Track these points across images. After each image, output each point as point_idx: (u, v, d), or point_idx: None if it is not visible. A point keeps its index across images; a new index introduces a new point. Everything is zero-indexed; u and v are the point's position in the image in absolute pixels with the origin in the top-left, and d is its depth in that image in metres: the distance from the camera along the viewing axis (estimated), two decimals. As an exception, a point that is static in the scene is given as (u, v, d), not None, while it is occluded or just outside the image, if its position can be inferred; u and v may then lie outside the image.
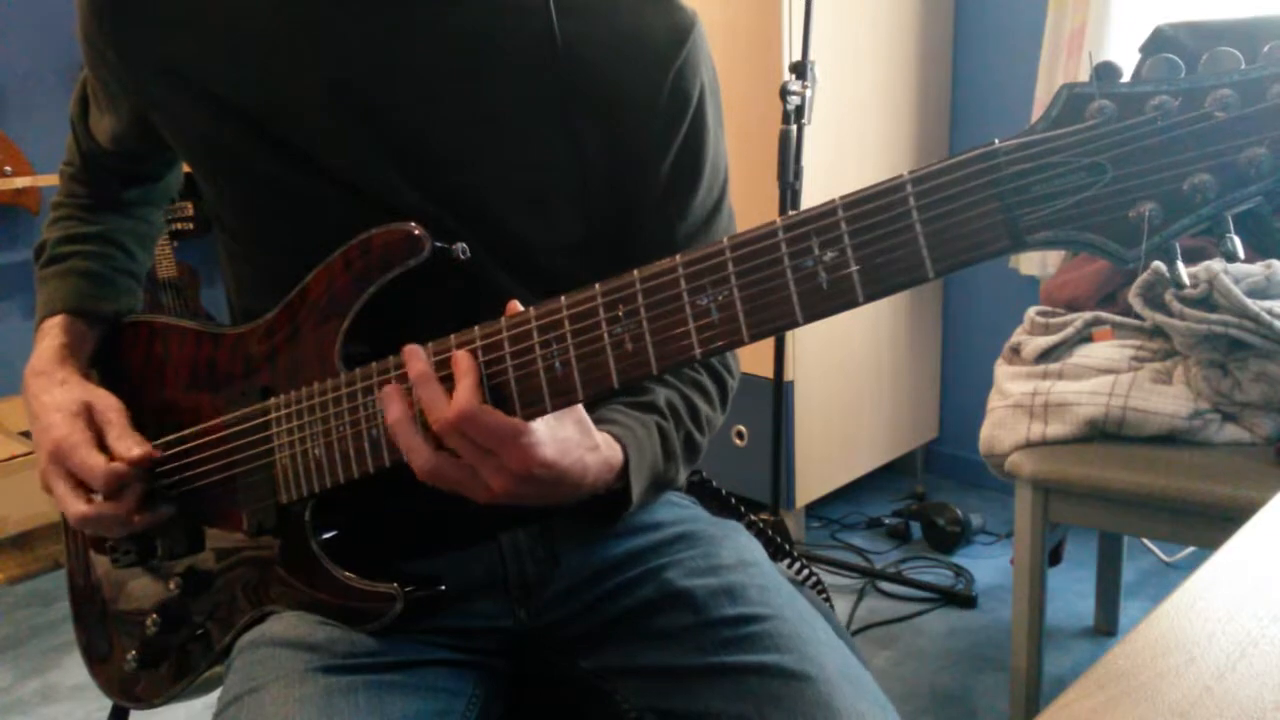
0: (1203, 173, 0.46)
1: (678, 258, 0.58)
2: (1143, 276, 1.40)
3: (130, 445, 0.78)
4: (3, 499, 2.38)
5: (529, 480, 0.63)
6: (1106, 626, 1.93)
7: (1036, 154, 0.49)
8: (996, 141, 0.50)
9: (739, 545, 0.84)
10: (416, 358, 0.65)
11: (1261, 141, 0.44)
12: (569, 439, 0.66)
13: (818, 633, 0.76)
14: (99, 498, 0.78)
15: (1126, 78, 0.48)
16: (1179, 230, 0.46)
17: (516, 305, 0.64)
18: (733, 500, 1.02)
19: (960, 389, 2.62)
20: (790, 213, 0.55)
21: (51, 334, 0.85)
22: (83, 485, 0.79)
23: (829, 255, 0.53)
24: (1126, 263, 0.47)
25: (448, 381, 0.64)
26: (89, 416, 0.80)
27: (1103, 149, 0.48)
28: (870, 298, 0.53)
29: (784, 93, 1.73)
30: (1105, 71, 0.48)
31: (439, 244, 0.70)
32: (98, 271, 0.89)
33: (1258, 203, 0.45)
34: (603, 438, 0.69)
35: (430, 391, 0.64)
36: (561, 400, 0.63)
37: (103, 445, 0.79)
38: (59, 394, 0.81)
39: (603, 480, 0.69)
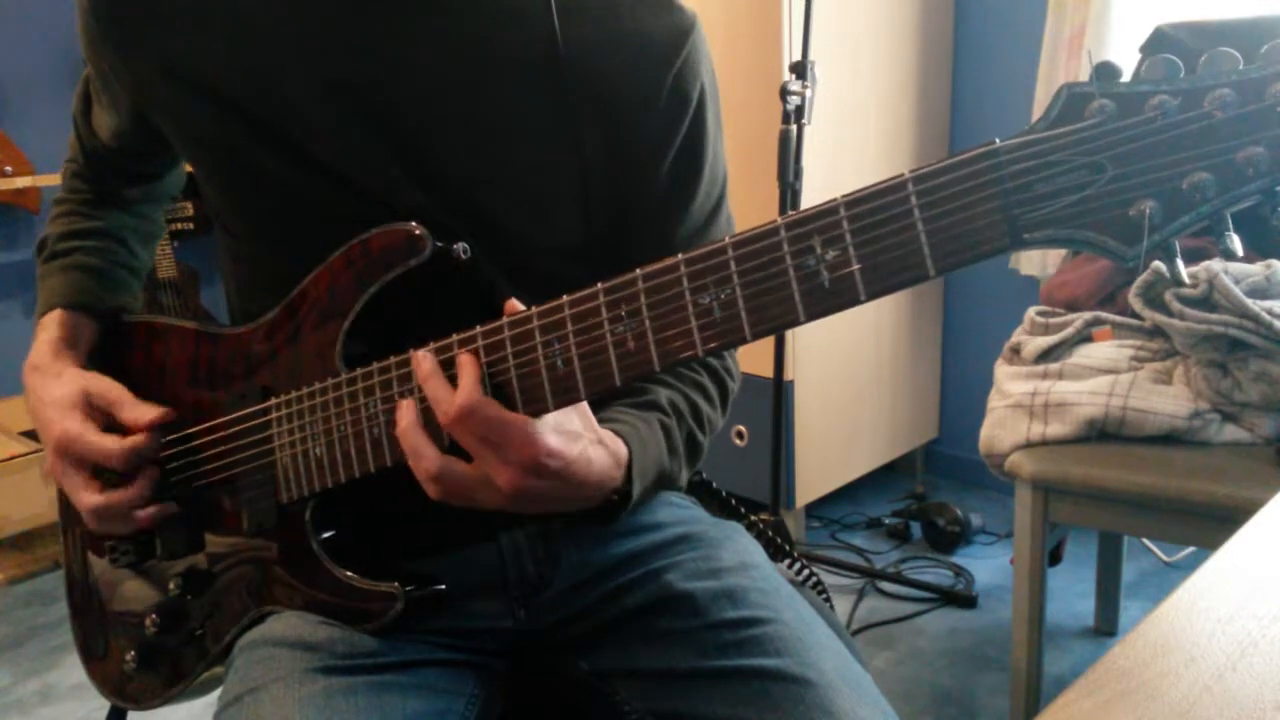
0: (1202, 171, 0.46)
1: (680, 256, 0.58)
2: (1142, 276, 1.40)
3: (144, 412, 0.79)
4: (3, 499, 2.38)
5: (538, 472, 0.63)
6: (1106, 626, 1.93)
7: (1037, 153, 0.49)
8: (997, 141, 0.50)
9: (740, 547, 0.84)
10: (423, 358, 0.66)
11: (1260, 140, 0.45)
12: (574, 431, 0.66)
13: (818, 636, 0.76)
14: (113, 485, 0.78)
15: (1126, 78, 0.48)
16: (1179, 228, 0.47)
17: (515, 304, 0.64)
18: (733, 501, 1.02)
19: (960, 389, 2.62)
20: (792, 212, 0.55)
21: (49, 328, 0.85)
22: (95, 475, 0.79)
23: (831, 254, 0.54)
24: (1127, 261, 0.48)
25: (454, 381, 0.64)
26: (87, 403, 0.80)
27: (1103, 148, 0.48)
28: (872, 296, 0.53)
29: (784, 93, 1.73)
30: (1105, 71, 0.48)
31: (439, 244, 0.70)
32: (98, 267, 0.89)
33: (1256, 201, 0.45)
34: (607, 434, 0.69)
35: (436, 387, 0.64)
36: (564, 399, 0.63)
37: (110, 429, 0.79)
38: (55, 389, 0.81)
39: (609, 475, 0.69)
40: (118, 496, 0.78)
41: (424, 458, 0.64)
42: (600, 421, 0.71)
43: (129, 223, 0.94)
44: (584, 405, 0.67)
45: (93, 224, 0.91)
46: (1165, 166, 0.47)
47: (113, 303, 0.89)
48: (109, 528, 0.83)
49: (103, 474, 0.80)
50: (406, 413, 0.66)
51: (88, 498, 0.78)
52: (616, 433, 0.71)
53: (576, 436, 0.66)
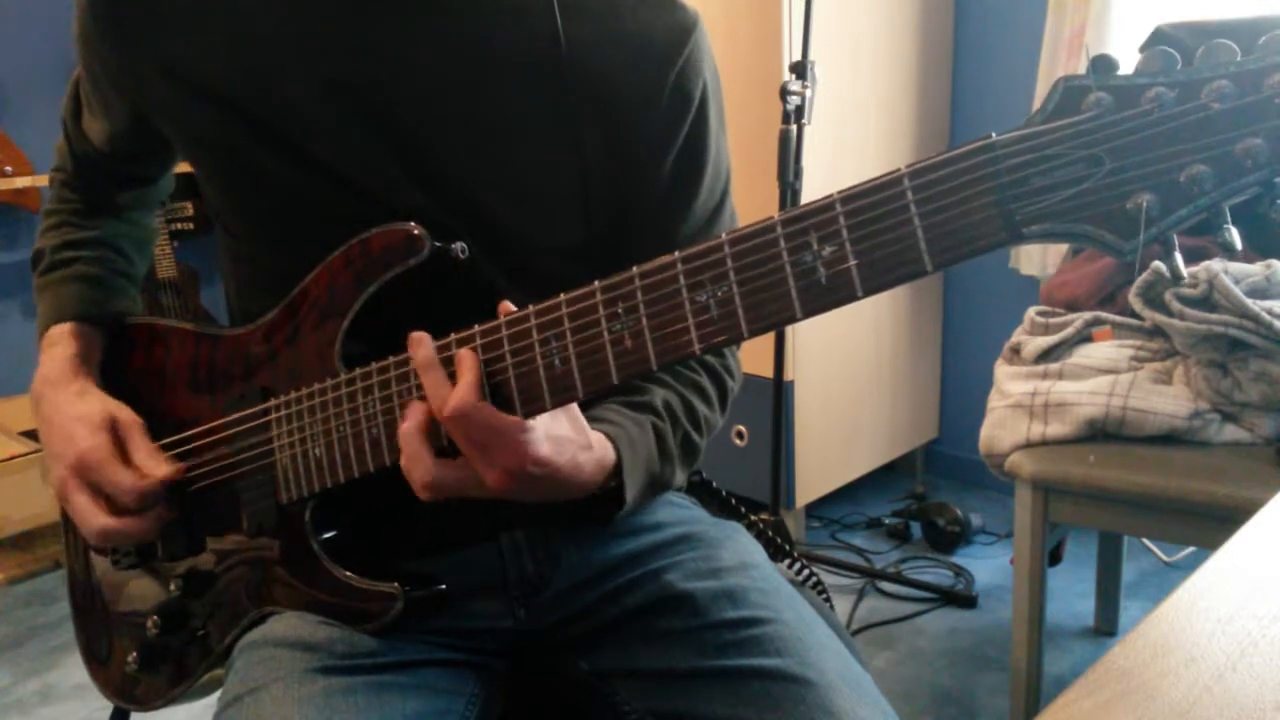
0: (1200, 164, 0.46)
1: (676, 254, 0.58)
2: (1142, 276, 1.40)
3: (159, 463, 0.78)
4: (3, 499, 2.38)
5: (523, 477, 0.63)
6: (1106, 626, 1.93)
7: (1033, 146, 0.49)
8: (994, 135, 0.50)
9: (740, 547, 0.84)
10: (421, 344, 0.65)
11: (1258, 132, 0.44)
12: (564, 437, 0.66)
13: (818, 636, 0.76)
14: (119, 515, 0.77)
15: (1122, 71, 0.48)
16: (1176, 221, 0.46)
17: (508, 305, 0.64)
18: (733, 501, 1.02)
19: (960, 389, 2.61)
20: (789, 208, 0.55)
21: (62, 342, 0.85)
22: (105, 499, 0.78)
23: (828, 250, 0.53)
24: (1124, 254, 0.47)
25: (453, 378, 0.64)
26: (113, 430, 0.79)
27: (1100, 141, 0.48)
28: (869, 292, 0.53)
29: (784, 93, 1.73)
30: (1102, 64, 0.48)
31: (438, 244, 0.70)
32: (98, 276, 0.89)
33: (1254, 193, 0.45)
34: (596, 437, 0.70)
35: (433, 379, 0.64)
36: (562, 398, 0.63)
37: (125, 459, 0.78)
38: (80, 405, 0.80)
39: (595, 479, 0.69)
40: (128, 524, 0.77)
41: (419, 466, 0.64)
42: (592, 420, 0.71)
43: (123, 230, 0.94)
44: (575, 408, 0.67)
45: (88, 234, 0.91)
46: (1162, 159, 0.47)
47: (115, 311, 0.89)
48: (112, 545, 0.83)
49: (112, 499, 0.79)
50: (415, 414, 0.65)
51: (97, 520, 0.77)
52: (607, 434, 0.71)
53: (566, 443, 0.66)
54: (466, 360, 0.64)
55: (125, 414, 0.80)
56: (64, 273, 0.88)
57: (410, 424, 0.65)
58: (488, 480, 0.63)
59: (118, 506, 0.78)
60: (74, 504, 0.78)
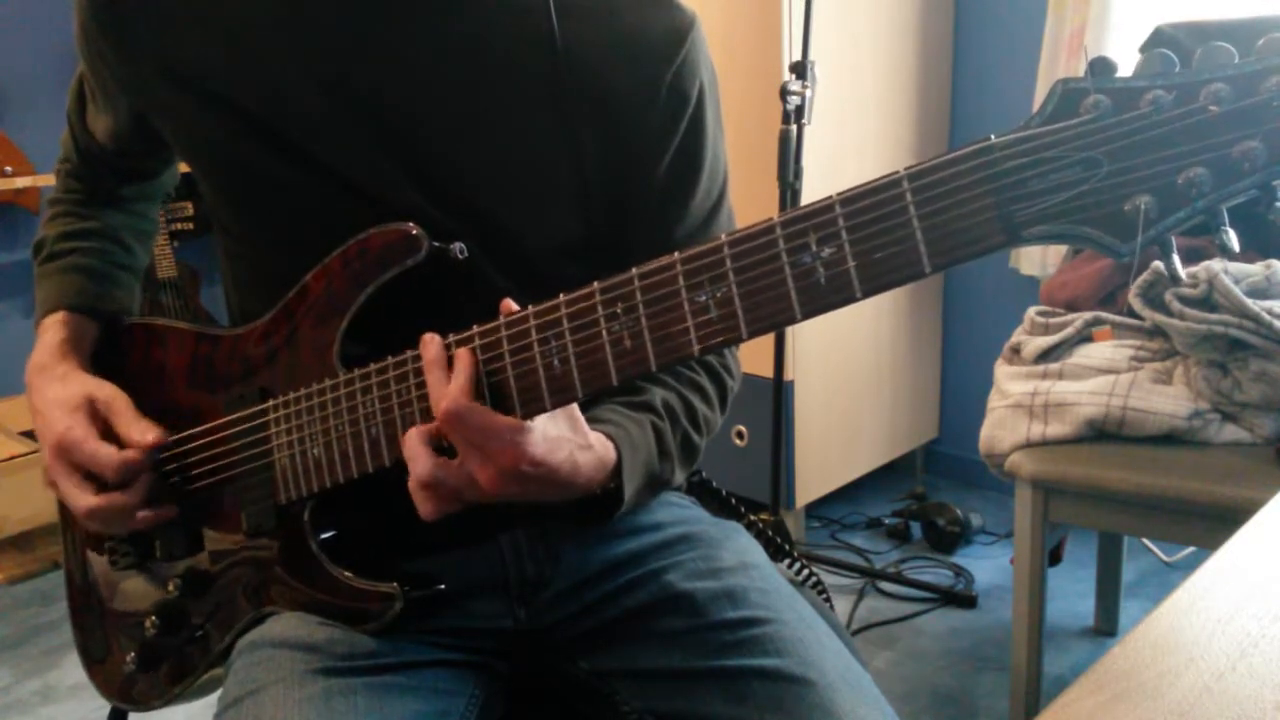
0: (1197, 166, 0.46)
1: (676, 255, 0.58)
2: (1143, 276, 1.40)
3: (143, 430, 0.78)
4: (3, 499, 2.37)
5: (518, 477, 0.63)
6: (1106, 626, 1.93)
7: (1032, 149, 0.49)
8: (992, 137, 0.50)
9: (740, 547, 0.84)
10: (430, 344, 0.66)
11: (1255, 135, 0.45)
12: (560, 437, 0.66)
13: (819, 636, 0.76)
14: (108, 489, 0.78)
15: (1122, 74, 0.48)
16: (1174, 223, 0.47)
17: (511, 304, 0.64)
18: (733, 501, 1.02)
19: (960, 389, 2.61)
20: (788, 210, 0.55)
21: (52, 329, 0.85)
22: (90, 478, 0.78)
23: (827, 251, 0.53)
24: (1122, 256, 0.48)
25: None
26: (91, 409, 0.80)
27: (1098, 143, 0.48)
28: (868, 293, 0.53)
29: (784, 93, 1.73)
30: (1100, 66, 0.48)
31: (436, 244, 0.70)
32: (97, 267, 0.89)
33: (1251, 195, 0.45)
34: (596, 437, 0.69)
35: (434, 379, 0.64)
36: (561, 398, 0.63)
37: (108, 436, 0.79)
38: (59, 389, 0.81)
39: (595, 479, 0.69)
40: (114, 499, 0.78)
41: (417, 462, 0.64)
42: (592, 421, 0.71)
43: (125, 221, 0.94)
44: (574, 409, 0.67)
45: (89, 224, 0.91)
46: (1160, 161, 0.47)
47: (112, 303, 0.89)
48: (105, 529, 0.83)
49: (97, 477, 0.80)
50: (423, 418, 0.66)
51: (83, 500, 0.78)
52: (607, 435, 0.71)
53: (562, 442, 0.66)
54: (461, 361, 0.64)
55: (105, 391, 0.81)
56: (62, 263, 0.89)
57: (414, 427, 0.65)
58: (481, 480, 0.63)
59: (103, 483, 0.78)
60: (61, 487, 0.79)
